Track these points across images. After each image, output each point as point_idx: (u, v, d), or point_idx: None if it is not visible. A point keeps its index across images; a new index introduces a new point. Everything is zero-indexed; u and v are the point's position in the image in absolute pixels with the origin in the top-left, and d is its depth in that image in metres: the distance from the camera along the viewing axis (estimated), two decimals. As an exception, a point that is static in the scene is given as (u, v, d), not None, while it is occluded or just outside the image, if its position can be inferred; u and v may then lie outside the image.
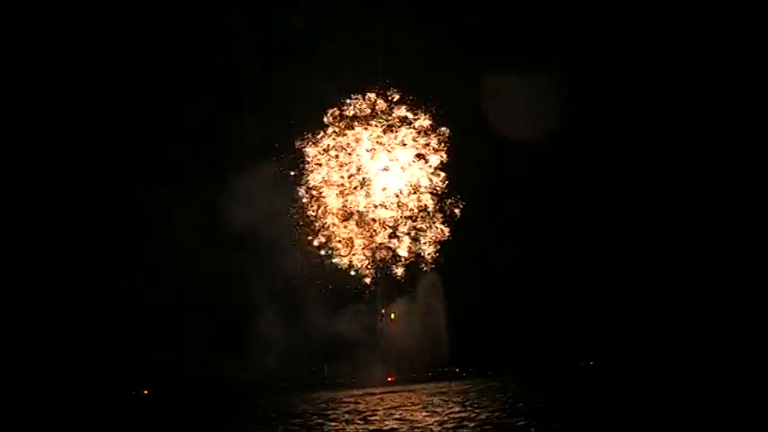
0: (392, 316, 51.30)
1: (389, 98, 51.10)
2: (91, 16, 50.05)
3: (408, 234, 51.10)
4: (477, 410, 28.86)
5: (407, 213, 51.15)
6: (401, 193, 51.19)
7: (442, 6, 51.30)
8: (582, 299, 49.24)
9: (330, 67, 50.96)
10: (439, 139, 51.20)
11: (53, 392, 46.69)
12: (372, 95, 51.12)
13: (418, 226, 51.16)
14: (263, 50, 51.63)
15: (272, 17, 52.07)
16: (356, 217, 51.33)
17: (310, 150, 51.37)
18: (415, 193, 51.26)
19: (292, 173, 51.52)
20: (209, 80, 52.70)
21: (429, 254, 51.17)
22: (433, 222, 51.17)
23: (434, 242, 51.16)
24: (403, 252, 50.95)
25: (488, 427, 23.86)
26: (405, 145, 51.39)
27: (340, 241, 51.26)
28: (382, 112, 51.29)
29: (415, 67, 50.71)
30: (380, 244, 51.06)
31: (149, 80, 52.24)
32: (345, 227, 51.33)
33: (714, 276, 47.34)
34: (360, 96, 51.29)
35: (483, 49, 50.72)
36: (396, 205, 51.24)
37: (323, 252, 51.20)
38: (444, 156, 51.25)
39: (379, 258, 51.14)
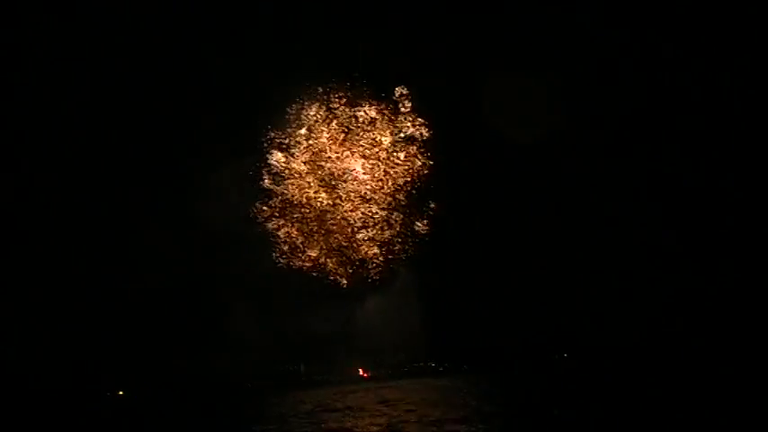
0: (369, 309, 51.26)
1: (367, 95, 51.10)
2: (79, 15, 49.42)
3: (383, 231, 51.29)
4: (457, 406, 29.31)
5: (383, 210, 51.32)
6: (377, 189, 51.28)
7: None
8: (555, 293, 50.10)
9: (312, 62, 50.87)
10: (418, 135, 51.36)
11: (28, 396, 45.98)
12: (351, 92, 51.09)
13: (394, 222, 51.38)
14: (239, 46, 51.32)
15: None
16: (331, 215, 51.37)
17: (285, 147, 51.20)
18: (390, 189, 51.38)
19: (266, 172, 51.32)
20: (184, 80, 52.20)
21: (404, 250, 51.46)
22: (409, 219, 51.42)
23: (409, 239, 51.45)
24: (379, 248, 51.15)
25: (472, 421, 24.36)
26: (382, 140, 51.35)
27: (315, 239, 51.23)
28: (360, 108, 51.26)
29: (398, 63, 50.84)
30: (355, 241, 51.15)
31: (127, 78, 51.73)
32: (320, 225, 51.30)
33: (689, 270, 48.63)
34: (338, 93, 51.23)
35: (470, 48, 51.15)
36: (371, 202, 51.35)
37: (297, 251, 51.15)
38: (422, 151, 51.47)
39: (354, 256, 51.29)
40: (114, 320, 49.21)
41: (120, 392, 49.02)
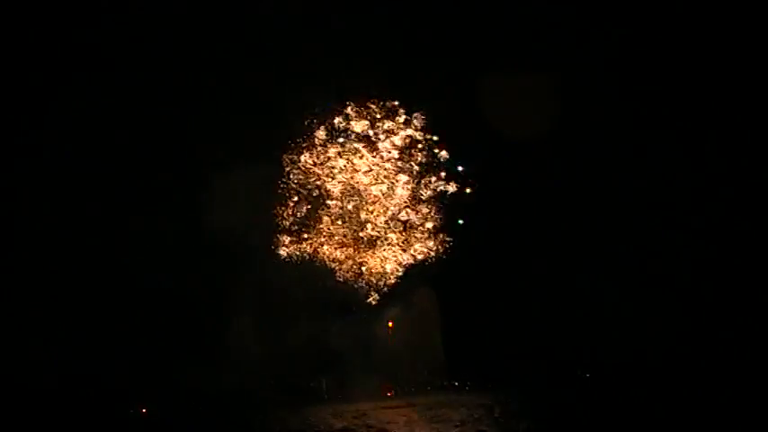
0: (389, 324, 51.19)
1: (384, 104, 50.99)
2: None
3: (403, 245, 51.16)
4: (485, 425, 29.08)
5: (402, 224, 51.21)
6: (396, 202, 51.20)
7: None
8: (580, 310, 49.72)
9: (320, 71, 50.73)
10: (434, 148, 51.20)
11: (50, 414, 46.00)
12: (369, 103, 50.98)
13: (414, 237, 51.23)
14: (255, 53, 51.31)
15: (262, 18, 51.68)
16: (350, 228, 51.29)
17: (300, 157, 51.10)
18: (410, 202, 51.25)
19: (283, 181, 51.25)
20: (199, 83, 52.15)
21: (425, 266, 51.29)
22: (429, 234, 51.30)
23: (430, 254, 51.28)
24: (399, 264, 51.00)
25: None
26: (399, 153, 51.23)
27: (333, 254, 51.12)
28: (375, 118, 51.17)
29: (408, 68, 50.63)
30: (375, 255, 51.01)
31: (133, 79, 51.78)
32: (340, 240, 51.25)
33: (706, 286, 48.19)
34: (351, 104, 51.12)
35: (475, 48, 50.92)
36: (391, 215, 51.26)
37: (316, 264, 51.03)
38: (441, 164, 51.39)
39: (373, 271, 51.14)
40: (137, 336, 49.31)
41: (144, 410, 48.92)
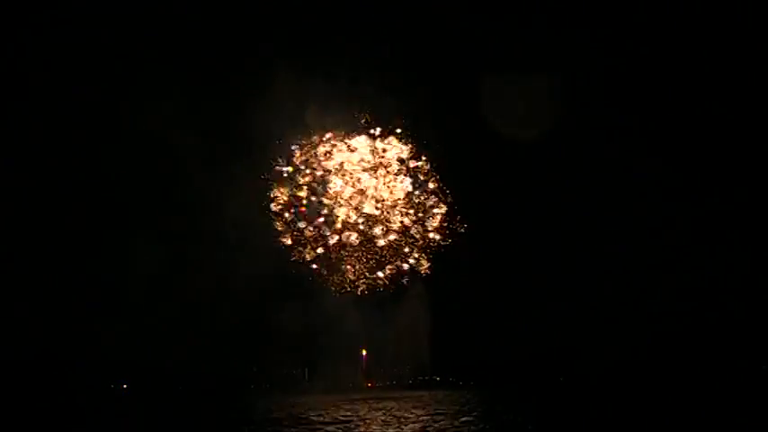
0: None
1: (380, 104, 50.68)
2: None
3: (397, 242, 51.11)
4: (465, 423, 29.13)
5: (395, 222, 51.15)
6: (388, 199, 51.13)
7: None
8: (562, 314, 50.02)
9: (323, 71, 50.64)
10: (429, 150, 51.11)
11: (31, 386, 46.00)
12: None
13: (406, 235, 51.20)
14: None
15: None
16: (344, 224, 51.16)
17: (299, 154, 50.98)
18: (404, 200, 51.17)
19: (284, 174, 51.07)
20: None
21: (415, 263, 51.26)
22: (422, 232, 51.26)
23: (422, 252, 51.26)
24: (389, 262, 50.94)
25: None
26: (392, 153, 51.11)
27: (328, 248, 50.97)
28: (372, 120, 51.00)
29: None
30: (368, 252, 50.89)
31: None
32: (334, 234, 51.11)
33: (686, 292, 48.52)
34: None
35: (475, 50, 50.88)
36: (384, 213, 51.17)
37: (308, 257, 50.92)
38: (434, 165, 51.32)
39: (365, 267, 51.03)
40: (120, 314, 49.23)
41: (124, 386, 48.94)
